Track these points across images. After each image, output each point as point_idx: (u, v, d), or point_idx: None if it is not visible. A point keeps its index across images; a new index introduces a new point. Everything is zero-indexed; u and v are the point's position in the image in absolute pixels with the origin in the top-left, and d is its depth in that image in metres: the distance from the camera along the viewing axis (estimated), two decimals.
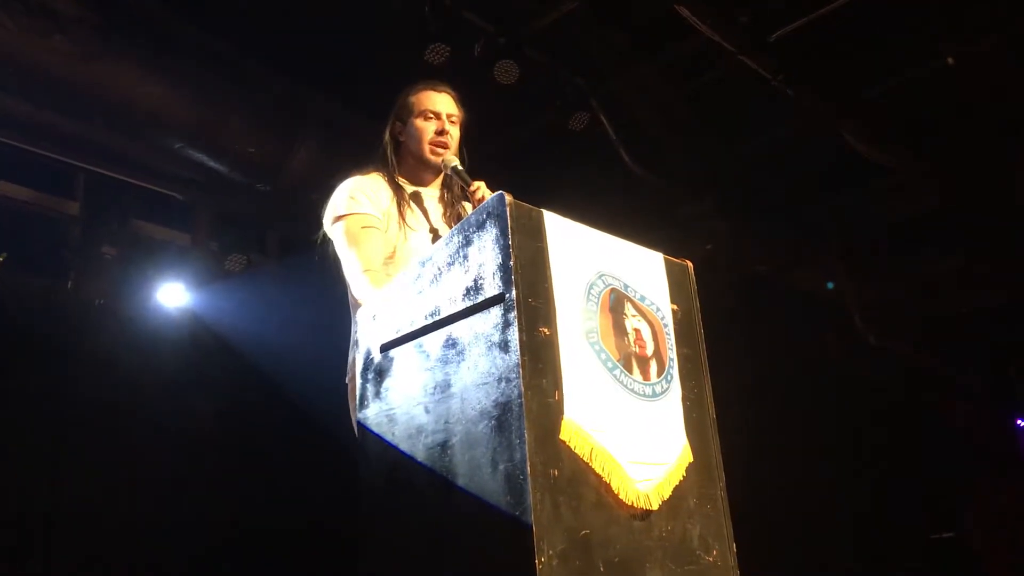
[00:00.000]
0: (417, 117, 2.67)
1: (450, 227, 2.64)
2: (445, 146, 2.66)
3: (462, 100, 2.75)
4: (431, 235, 2.63)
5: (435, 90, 2.72)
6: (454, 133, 2.69)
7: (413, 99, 2.71)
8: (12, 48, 3.81)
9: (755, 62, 4.66)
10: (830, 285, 6.94)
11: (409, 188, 2.69)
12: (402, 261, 2.51)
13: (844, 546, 6.96)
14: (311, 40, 4.51)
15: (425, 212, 2.67)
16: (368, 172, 2.68)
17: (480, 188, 2.56)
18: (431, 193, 2.73)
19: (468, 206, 2.75)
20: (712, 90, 5.16)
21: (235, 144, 4.60)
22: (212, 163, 4.67)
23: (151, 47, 4.20)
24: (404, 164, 2.72)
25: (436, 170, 2.71)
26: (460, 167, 2.63)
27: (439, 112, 2.67)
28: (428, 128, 2.66)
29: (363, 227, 2.49)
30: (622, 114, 5.26)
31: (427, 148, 2.65)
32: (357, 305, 2.58)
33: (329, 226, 2.58)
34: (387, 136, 2.73)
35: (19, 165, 4.61)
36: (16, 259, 4.80)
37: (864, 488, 7.05)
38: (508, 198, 1.80)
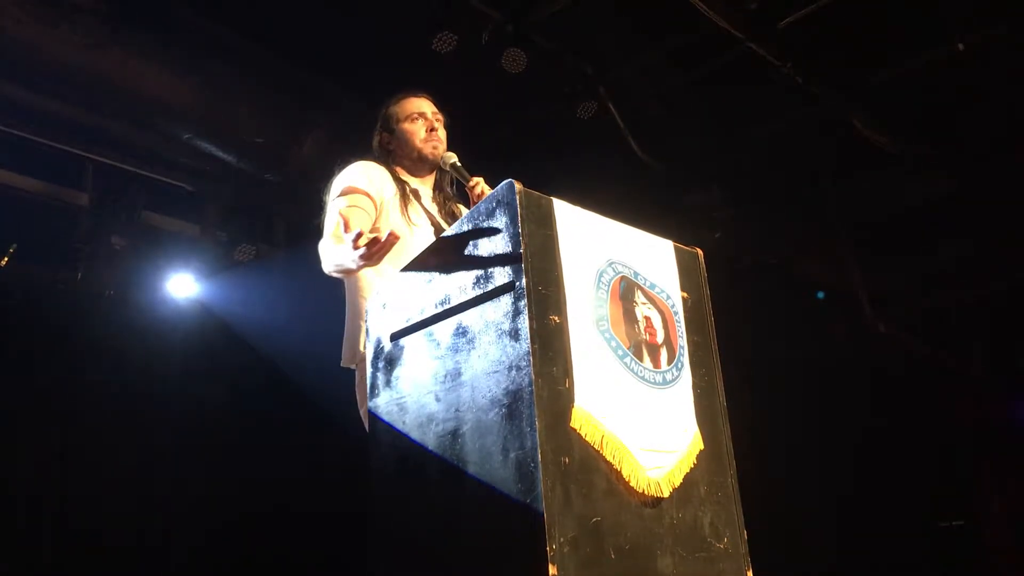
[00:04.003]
0: (403, 122, 2.75)
1: (445, 223, 2.68)
2: (439, 140, 2.73)
3: (442, 104, 2.82)
4: (433, 228, 2.65)
5: (415, 96, 2.80)
6: (442, 131, 2.76)
7: (395, 108, 2.79)
8: (21, 38, 3.81)
9: (764, 49, 4.63)
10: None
11: (411, 184, 2.72)
12: (405, 255, 2.51)
13: (852, 533, 6.96)
14: (319, 29, 4.50)
15: (425, 210, 2.70)
16: (378, 161, 2.72)
17: (479, 184, 2.59)
18: (425, 192, 2.78)
19: (461, 207, 2.80)
20: (720, 77, 5.13)
21: (243, 134, 4.60)
22: (220, 153, 4.67)
23: (159, 37, 4.19)
24: (398, 168, 2.76)
25: (430, 168, 2.78)
26: (459, 163, 2.69)
27: (424, 112, 2.76)
28: (418, 128, 2.74)
29: (350, 205, 2.52)
30: (630, 102, 5.23)
31: (422, 144, 2.72)
32: (355, 290, 2.60)
33: (330, 203, 2.62)
34: (376, 148, 2.79)
35: (28, 156, 4.62)
36: (26, 250, 4.81)
37: (873, 477, 7.05)
38: (518, 186, 1.80)
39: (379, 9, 4.41)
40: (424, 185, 2.78)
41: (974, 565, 7.02)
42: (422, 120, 2.74)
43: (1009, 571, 6.91)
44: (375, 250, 2.08)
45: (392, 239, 2.06)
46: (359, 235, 2.06)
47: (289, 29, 4.51)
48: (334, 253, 2.31)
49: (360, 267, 2.20)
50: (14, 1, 3.71)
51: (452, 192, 2.82)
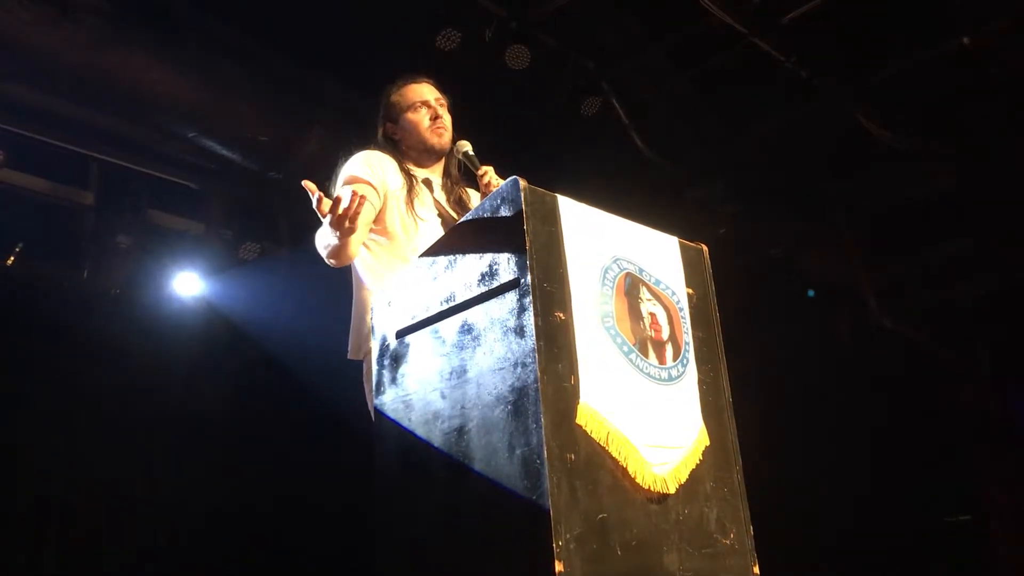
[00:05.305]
0: (407, 111, 2.72)
1: (454, 212, 2.67)
2: (444, 128, 2.70)
3: (444, 87, 2.79)
4: (440, 219, 2.64)
5: (416, 82, 2.77)
6: (446, 116, 2.73)
7: (397, 97, 2.76)
8: (23, 37, 3.81)
9: (767, 44, 4.62)
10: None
11: (419, 175, 2.70)
12: (412, 251, 2.51)
13: (858, 529, 6.95)
14: (322, 26, 4.50)
15: (434, 199, 2.69)
16: (384, 151, 2.71)
17: (488, 173, 2.57)
18: (434, 180, 2.76)
19: (470, 191, 2.78)
20: (724, 73, 5.12)
21: (247, 132, 4.60)
22: (225, 151, 4.68)
23: (161, 35, 4.20)
24: (406, 158, 2.74)
25: (437, 156, 2.74)
26: (472, 152, 2.66)
27: (427, 100, 2.72)
28: (422, 117, 2.70)
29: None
30: (633, 98, 5.23)
31: (428, 134, 2.69)
32: (359, 282, 2.60)
33: (337, 190, 2.61)
34: (381, 138, 2.76)
35: (33, 156, 4.62)
36: (31, 249, 4.83)
37: (878, 472, 7.04)
38: (522, 183, 1.80)
39: (383, 6, 4.41)
40: (433, 173, 2.75)
41: (980, 561, 7.01)
42: (425, 108, 2.70)
43: (1015, 568, 6.90)
44: (340, 214, 2.10)
45: (355, 199, 2.08)
46: (320, 200, 2.08)
47: (293, 27, 4.51)
48: (320, 234, 2.32)
49: (342, 237, 2.21)
50: (16, 0, 3.72)
51: (459, 175, 2.79)
